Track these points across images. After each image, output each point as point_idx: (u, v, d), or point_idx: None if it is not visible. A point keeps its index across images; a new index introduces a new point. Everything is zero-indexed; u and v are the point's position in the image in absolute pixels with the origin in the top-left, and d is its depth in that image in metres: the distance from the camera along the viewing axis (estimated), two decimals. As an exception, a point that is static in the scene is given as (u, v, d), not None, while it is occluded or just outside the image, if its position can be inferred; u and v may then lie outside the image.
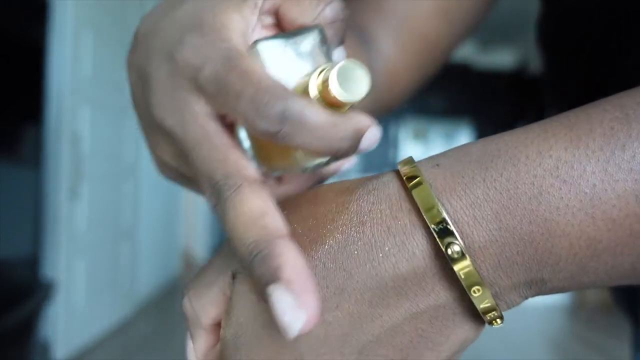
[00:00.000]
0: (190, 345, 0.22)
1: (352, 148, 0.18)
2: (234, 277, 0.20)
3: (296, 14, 0.20)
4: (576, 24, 0.32)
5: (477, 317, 0.19)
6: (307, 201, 0.20)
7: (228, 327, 0.20)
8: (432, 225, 0.17)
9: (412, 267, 0.18)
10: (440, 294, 0.18)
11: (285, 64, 0.19)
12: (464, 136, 4.28)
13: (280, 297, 0.16)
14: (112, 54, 2.00)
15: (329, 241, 0.18)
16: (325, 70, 0.18)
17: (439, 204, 0.17)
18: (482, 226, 0.17)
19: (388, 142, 4.24)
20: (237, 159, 0.18)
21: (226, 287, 0.20)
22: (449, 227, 0.17)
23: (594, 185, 0.17)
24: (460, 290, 0.18)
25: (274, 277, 0.16)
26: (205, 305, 0.21)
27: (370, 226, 0.18)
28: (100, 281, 2.00)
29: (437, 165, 0.19)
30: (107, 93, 1.99)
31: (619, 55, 0.29)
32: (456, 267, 0.17)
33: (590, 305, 2.83)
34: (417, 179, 0.18)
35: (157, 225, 2.58)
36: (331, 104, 0.18)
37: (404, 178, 0.18)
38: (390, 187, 0.19)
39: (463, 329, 0.19)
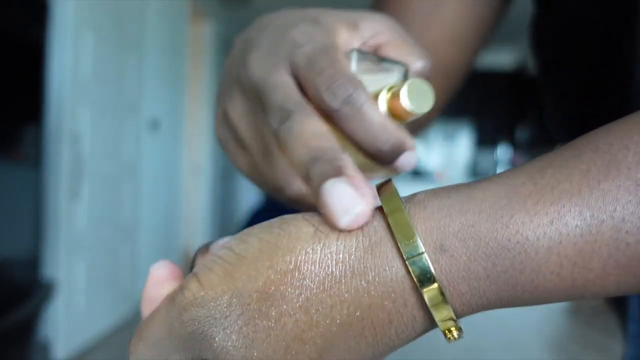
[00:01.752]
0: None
1: (390, 155, 0.21)
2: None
3: (392, 57, 0.24)
4: (571, 28, 0.33)
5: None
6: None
7: None
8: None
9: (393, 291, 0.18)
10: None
11: (368, 76, 0.22)
12: (464, 136, 4.28)
13: (341, 187, 0.18)
14: (112, 54, 2.00)
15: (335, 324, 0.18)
16: (394, 88, 0.21)
17: (455, 328, 0.18)
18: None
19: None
20: (306, 101, 0.21)
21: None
22: None
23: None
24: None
25: (337, 173, 0.18)
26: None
27: (374, 326, 0.18)
28: (100, 281, 2.00)
29: (443, 250, 0.18)
30: (107, 93, 1.99)
31: (615, 57, 0.30)
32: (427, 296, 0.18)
33: (589, 306, 2.83)
34: (431, 283, 0.17)
35: (157, 225, 2.58)
36: (396, 116, 0.21)
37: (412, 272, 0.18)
38: (395, 280, 0.18)
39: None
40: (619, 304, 0.35)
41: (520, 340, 2.33)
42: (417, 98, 0.21)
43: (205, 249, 0.22)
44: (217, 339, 0.18)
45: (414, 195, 0.19)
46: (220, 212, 3.74)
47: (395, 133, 0.21)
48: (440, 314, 0.17)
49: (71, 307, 1.78)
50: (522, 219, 0.17)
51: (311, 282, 0.18)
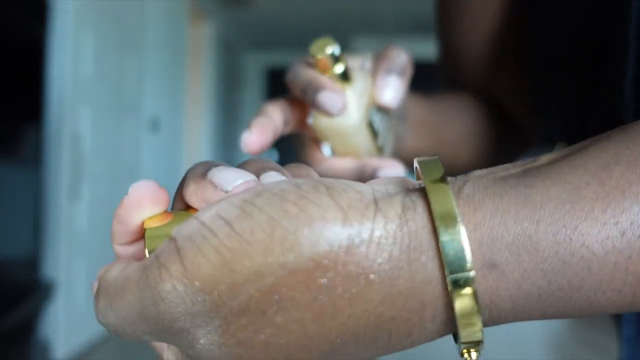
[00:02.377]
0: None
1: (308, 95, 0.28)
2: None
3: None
4: (560, 40, 0.33)
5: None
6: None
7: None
8: None
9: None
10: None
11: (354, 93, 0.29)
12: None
13: (328, 93, 0.27)
14: (112, 55, 2.00)
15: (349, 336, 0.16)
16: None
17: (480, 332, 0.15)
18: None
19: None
20: None
21: (168, 354, 0.18)
22: None
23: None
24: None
25: (321, 88, 0.27)
26: (135, 330, 0.17)
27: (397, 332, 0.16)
28: (101, 281, 2.00)
29: (493, 264, 0.15)
30: (107, 93, 1.99)
31: (604, 70, 0.30)
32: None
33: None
34: (467, 292, 0.15)
35: (157, 225, 2.58)
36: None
37: (451, 290, 0.15)
38: (428, 298, 0.16)
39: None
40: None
41: (520, 340, 2.33)
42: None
43: (200, 175, 0.17)
44: (201, 341, 0.15)
45: (462, 186, 0.16)
46: (220, 212, 3.73)
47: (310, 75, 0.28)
48: (468, 333, 0.15)
49: (71, 307, 1.78)
50: (588, 230, 0.15)
51: (331, 288, 0.15)
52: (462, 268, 0.15)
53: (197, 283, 0.15)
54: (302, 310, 0.15)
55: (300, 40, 4.31)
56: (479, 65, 0.41)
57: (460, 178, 0.17)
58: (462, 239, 0.15)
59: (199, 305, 0.15)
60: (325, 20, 3.72)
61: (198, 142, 3.32)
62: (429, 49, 4.12)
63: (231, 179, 0.17)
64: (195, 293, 0.15)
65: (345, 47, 4.18)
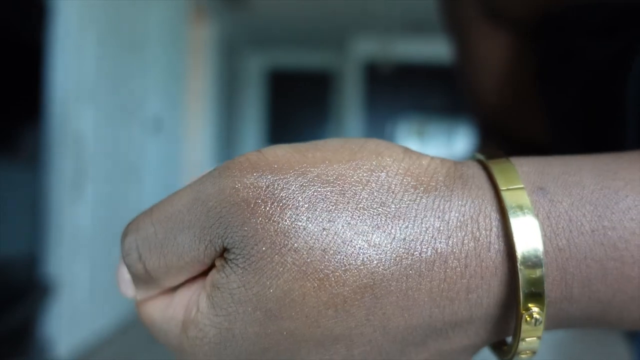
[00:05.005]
0: (123, 274, 0.18)
1: None
2: (223, 249, 0.15)
3: None
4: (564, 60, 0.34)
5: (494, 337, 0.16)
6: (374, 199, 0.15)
7: (211, 325, 0.15)
8: (524, 283, 0.14)
9: (470, 313, 0.15)
10: (481, 337, 0.16)
11: None
12: (463, 134, 4.27)
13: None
14: (115, 55, 2.01)
15: (387, 272, 0.15)
16: None
17: (543, 256, 0.14)
18: (572, 295, 0.15)
19: (386, 139, 4.24)
20: None
21: (207, 257, 0.15)
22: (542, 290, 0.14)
23: None
24: (503, 335, 0.16)
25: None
26: (170, 271, 0.16)
27: (445, 275, 0.15)
28: (104, 281, 2.01)
29: (542, 189, 0.15)
30: (109, 93, 2.00)
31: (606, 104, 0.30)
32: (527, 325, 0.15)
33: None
34: (522, 209, 0.15)
35: (159, 225, 2.58)
36: None
37: (505, 205, 0.15)
38: (483, 207, 0.15)
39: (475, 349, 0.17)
40: None
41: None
42: None
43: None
44: (286, 216, 0.14)
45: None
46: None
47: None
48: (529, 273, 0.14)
49: (74, 307, 1.79)
50: (630, 175, 0.15)
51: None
52: (519, 197, 0.15)
53: (274, 164, 0.15)
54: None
55: (301, 41, 4.31)
56: (496, 111, 0.41)
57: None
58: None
59: (278, 178, 0.15)
60: (325, 20, 3.73)
61: (199, 142, 3.33)
62: (429, 49, 4.12)
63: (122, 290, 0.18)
64: (274, 169, 0.15)
65: (345, 47, 4.18)
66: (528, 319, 0.14)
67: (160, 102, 2.51)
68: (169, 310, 0.17)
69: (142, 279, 0.17)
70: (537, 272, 0.14)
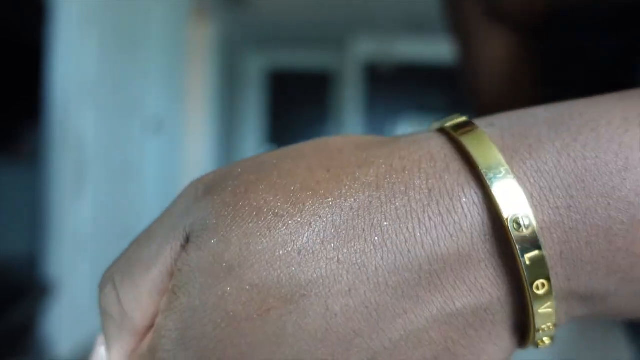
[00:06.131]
0: (100, 354, 0.16)
1: None
2: (187, 239, 0.14)
3: None
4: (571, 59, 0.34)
5: (517, 331, 0.14)
6: (315, 149, 0.15)
7: (172, 313, 0.14)
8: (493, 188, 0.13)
9: (455, 245, 0.13)
10: (483, 290, 0.13)
11: None
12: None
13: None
14: (115, 55, 2.01)
15: (348, 201, 0.13)
16: None
17: (503, 160, 0.13)
18: (548, 201, 0.13)
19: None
20: None
21: (174, 258, 0.14)
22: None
23: None
24: (510, 286, 0.13)
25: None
26: (140, 298, 0.15)
27: (405, 187, 0.13)
28: (103, 281, 2.01)
29: (492, 124, 0.14)
30: (110, 93, 2.00)
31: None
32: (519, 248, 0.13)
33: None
34: (470, 128, 0.14)
35: (159, 225, 2.58)
36: None
37: (452, 127, 0.14)
38: (433, 141, 0.14)
39: (496, 347, 0.14)
40: None
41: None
42: None
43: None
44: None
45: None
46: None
47: None
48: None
49: (74, 307, 1.79)
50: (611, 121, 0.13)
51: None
52: (465, 122, 0.14)
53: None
54: (355, 189, 0.14)
55: (302, 41, 4.31)
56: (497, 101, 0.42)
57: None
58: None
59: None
60: (325, 20, 3.73)
61: (199, 142, 3.33)
62: (429, 50, 4.12)
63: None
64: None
65: (346, 47, 4.17)
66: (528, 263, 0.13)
67: (160, 102, 2.51)
68: (138, 350, 0.15)
69: (117, 321, 0.15)
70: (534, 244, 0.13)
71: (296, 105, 4.73)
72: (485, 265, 0.13)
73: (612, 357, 2.08)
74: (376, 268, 0.13)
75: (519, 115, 0.15)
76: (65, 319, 1.72)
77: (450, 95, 4.14)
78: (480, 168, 0.13)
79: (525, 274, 0.13)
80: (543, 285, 0.13)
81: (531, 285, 0.13)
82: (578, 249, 0.13)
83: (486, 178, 0.13)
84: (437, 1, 0.45)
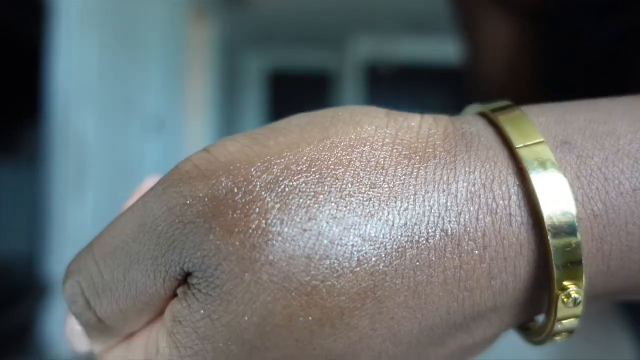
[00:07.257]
0: (72, 327, 0.15)
1: None
2: (184, 277, 0.12)
3: None
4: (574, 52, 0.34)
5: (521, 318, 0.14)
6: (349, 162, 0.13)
7: None
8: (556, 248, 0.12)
9: (497, 304, 0.13)
10: (505, 324, 0.14)
11: None
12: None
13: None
14: (116, 54, 2.01)
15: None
16: None
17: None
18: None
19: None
20: None
21: (168, 290, 0.13)
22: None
23: None
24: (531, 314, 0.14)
25: None
26: (126, 316, 0.13)
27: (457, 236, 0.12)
28: (103, 281, 2.01)
29: (567, 143, 0.13)
30: (111, 93, 2.00)
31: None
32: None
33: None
34: (545, 166, 0.12)
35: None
36: None
37: (524, 165, 0.12)
38: (496, 188, 0.13)
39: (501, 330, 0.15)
40: (627, 305, 0.34)
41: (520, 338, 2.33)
42: None
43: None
44: (255, 223, 0.11)
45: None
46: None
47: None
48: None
49: (74, 307, 1.79)
50: None
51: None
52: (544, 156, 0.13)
53: (223, 160, 0.12)
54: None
55: (302, 41, 4.31)
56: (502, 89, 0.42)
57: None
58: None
59: (236, 177, 0.12)
60: (325, 20, 3.73)
61: (200, 141, 3.33)
62: (429, 50, 4.12)
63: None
64: (226, 169, 0.12)
65: (346, 48, 4.17)
66: (565, 299, 0.12)
67: (160, 102, 2.51)
68: (128, 357, 0.14)
69: (96, 328, 0.14)
70: (573, 242, 0.12)
71: (296, 106, 4.68)
72: (519, 310, 0.13)
73: (613, 357, 2.07)
74: (410, 330, 0.12)
75: (597, 128, 0.13)
76: (65, 318, 1.72)
77: (451, 96, 4.15)
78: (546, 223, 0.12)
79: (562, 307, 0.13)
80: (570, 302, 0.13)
81: (559, 301, 0.13)
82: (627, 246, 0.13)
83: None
84: (437, 1, 0.45)
